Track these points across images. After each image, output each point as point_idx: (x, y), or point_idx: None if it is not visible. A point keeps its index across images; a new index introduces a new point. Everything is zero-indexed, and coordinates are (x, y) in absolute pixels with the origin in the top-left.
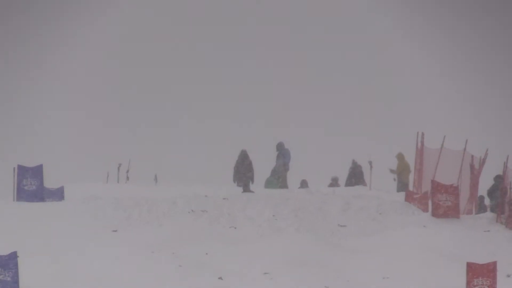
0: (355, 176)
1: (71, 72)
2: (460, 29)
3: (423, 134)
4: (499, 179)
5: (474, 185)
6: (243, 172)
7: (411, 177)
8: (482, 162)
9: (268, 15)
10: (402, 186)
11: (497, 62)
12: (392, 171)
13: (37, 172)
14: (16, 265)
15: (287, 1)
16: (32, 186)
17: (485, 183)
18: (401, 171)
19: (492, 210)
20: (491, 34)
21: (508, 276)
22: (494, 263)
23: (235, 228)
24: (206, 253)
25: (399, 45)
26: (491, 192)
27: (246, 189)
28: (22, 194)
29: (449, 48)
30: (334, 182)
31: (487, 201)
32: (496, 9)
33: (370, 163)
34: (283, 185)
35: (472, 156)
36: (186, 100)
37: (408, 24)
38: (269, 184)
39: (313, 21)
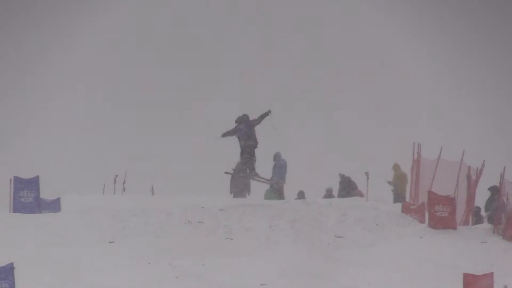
0: (345, 188)
1: (69, 80)
2: (459, 38)
3: (419, 145)
4: (494, 190)
5: (471, 196)
6: (240, 182)
7: (408, 188)
8: (479, 173)
9: (268, 18)
10: (398, 197)
11: (496, 73)
12: (389, 183)
13: (33, 183)
14: (12, 276)
15: (287, 1)
16: (28, 198)
17: (482, 194)
18: (398, 182)
19: (489, 221)
20: (491, 44)
21: (505, 287)
22: (491, 274)
23: (232, 239)
24: (203, 264)
25: (396, 54)
26: (488, 204)
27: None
28: (19, 206)
29: (448, 58)
30: (328, 194)
31: (483, 212)
32: (500, 16)
33: (367, 174)
34: (280, 196)
35: (469, 167)
36: (183, 110)
37: (408, 31)
38: (268, 195)
39: (313, 22)
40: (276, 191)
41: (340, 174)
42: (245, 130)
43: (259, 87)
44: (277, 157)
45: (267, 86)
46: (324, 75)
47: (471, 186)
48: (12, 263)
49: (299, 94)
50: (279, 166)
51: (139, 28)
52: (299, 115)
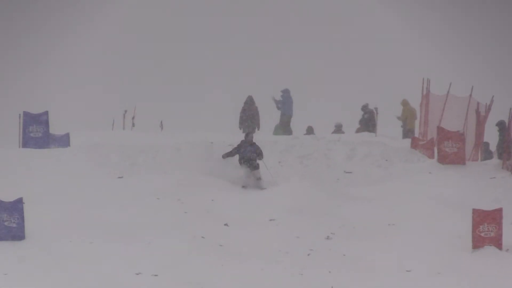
0: (371, 122)
1: (83, 26)
2: None
3: (429, 80)
4: (501, 125)
5: (480, 131)
6: (249, 118)
7: (417, 124)
8: (488, 108)
9: (270, 9)
10: (408, 132)
11: (505, 9)
12: (399, 118)
13: (43, 118)
14: (21, 211)
15: None
16: (38, 133)
17: (491, 130)
18: (407, 117)
19: (498, 157)
20: None
21: None
22: (500, 210)
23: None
24: (212, 200)
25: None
26: (500, 141)
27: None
28: (28, 141)
29: None
30: (337, 129)
31: (492, 148)
32: None
33: (376, 109)
34: (288, 131)
35: (478, 103)
36: (191, 48)
37: None
38: (276, 131)
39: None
40: (282, 125)
41: (366, 105)
42: (251, 152)
43: (263, 39)
44: (285, 93)
45: (271, 38)
46: (327, 20)
47: (480, 121)
48: (21, 198)
49: (306, 40)
50: (286, 101)
51: (139, 26)
52: (307, 56)
